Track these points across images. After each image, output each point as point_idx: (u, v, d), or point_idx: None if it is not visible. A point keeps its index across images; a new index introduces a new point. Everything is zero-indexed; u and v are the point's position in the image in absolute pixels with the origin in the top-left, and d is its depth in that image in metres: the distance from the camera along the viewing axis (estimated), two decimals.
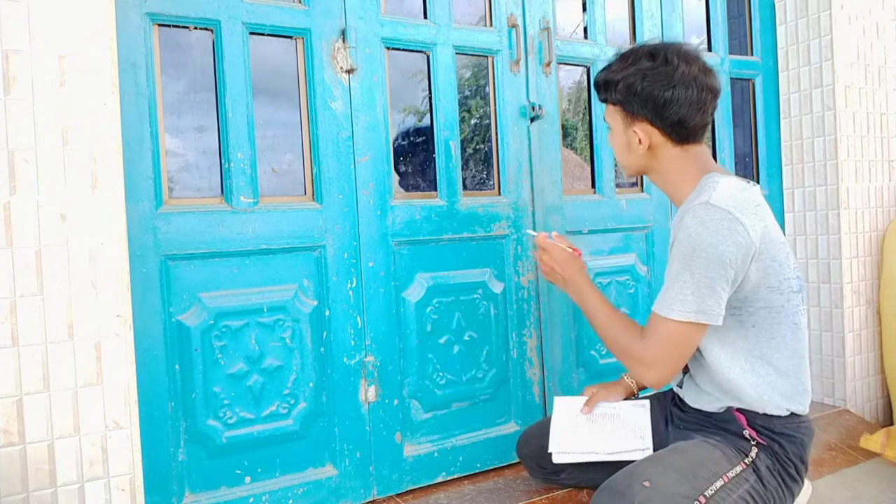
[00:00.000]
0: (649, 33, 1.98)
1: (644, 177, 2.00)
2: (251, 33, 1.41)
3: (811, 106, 2.18)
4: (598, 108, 1.90)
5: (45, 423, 1.07)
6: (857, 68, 2.15)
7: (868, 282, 2.18)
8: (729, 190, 1.12)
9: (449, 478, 1.63)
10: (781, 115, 2.28)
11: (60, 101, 1.08)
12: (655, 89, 1.14)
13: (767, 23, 2.28)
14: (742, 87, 2.30)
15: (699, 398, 1.24)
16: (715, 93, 1.18)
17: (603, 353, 1.88)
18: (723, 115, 2.17)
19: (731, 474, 1.12)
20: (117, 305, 1.12)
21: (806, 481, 1.29)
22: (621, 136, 1.24)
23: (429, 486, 1.61)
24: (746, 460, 1.14)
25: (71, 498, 1.09)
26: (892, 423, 2.19)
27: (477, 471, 1.67)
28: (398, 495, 1.57)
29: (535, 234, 1.46)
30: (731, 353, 1.16)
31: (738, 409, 1.18)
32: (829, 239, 2.15)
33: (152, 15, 1.30)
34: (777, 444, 1.14)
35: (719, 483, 1.10)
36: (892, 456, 1.84)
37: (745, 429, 1.16)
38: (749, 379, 1.15)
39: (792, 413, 1.15)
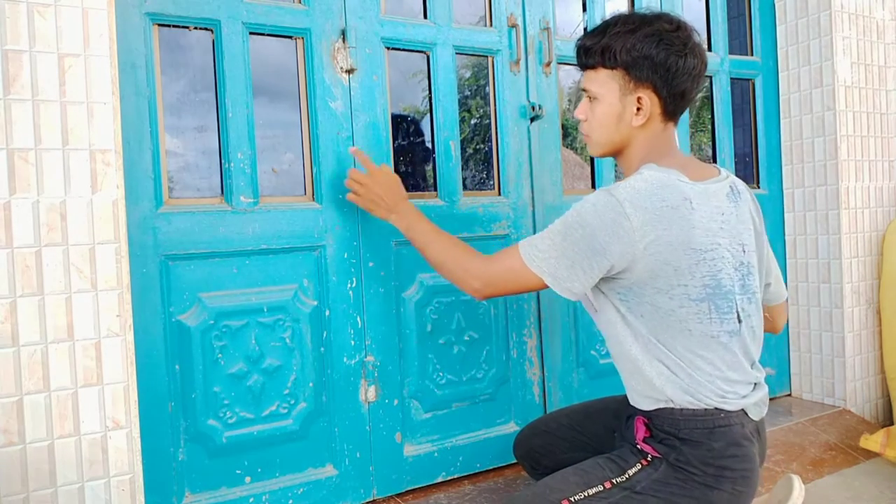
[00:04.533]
0: None
1: None
2: (251, 33, 1.41)
3: (811, 106, 2.18)
4: None
5: (44, 423, 1.07)
6: (857, 68, 2.15)
7: (868, 282, 2.18)
8: (643, 184, 1.07)
9: (449, 478, 1.63)
10: (781, 115, 2.28)
11: (60, 101, 1.08)
12: (671, 55, 1.10)
13: (767, 23, 2.28)
14: (742, 87, 2.30)
15: (627, 388, 1.21)
16: (706, 67, 1.17)
17: (603, 352, 1.88)
18: (723, 115, 2.17)
19: (577, 497, 1.09)
20: (117, 305, 1.12)
21: (797, 484, 1.25)
22: (613, 105, 1.15)
23: (429, 486, 1.61)
24: (618, 478, 1.11)
25: (71, 498, 1.09)
26: (892, 423, 2.19)
27: (477, 471, 1.67)
28: (398, 495, 1.57)
29: (355, 151, 1.41)
30: (631, 333, 1.13)
31: (643, 416, 1.14)
32: (829, 239, 2.15)
33: (152, 15, 1.30)
34: (676, 451, 1.09)
35: None
36: (892, 456, 1.84)
37: (637, 443, 1.13)
38: (645, 357, 1.12)
39: (706, 410, 1.09)
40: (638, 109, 1.14)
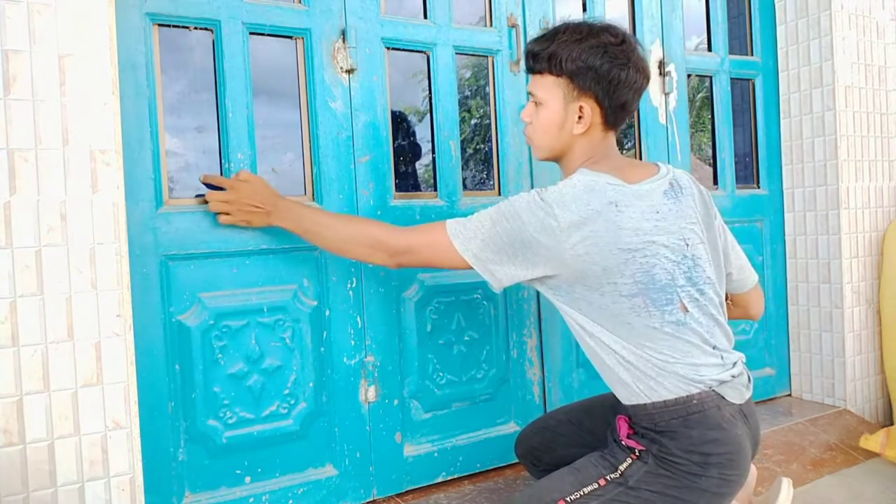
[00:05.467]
0: (649, 33, 1.98)
1: None
2: (251, 33, 1.41)
3: (811, 106, 2.18)
4: None
5: (44, 423, 1.07)
6: (857, 68, 2.15)
7: (868, 282, 2.18)
8: (570, 189, 1.11)
9: (449, 478, 1.63)
10: (781, 115, 2.28)
11: (60, 101, 1.08)
12: (614, 67, 1.13)
13: (767, 23, 2.27)
14: (742, 87, 2.30)
15: (605, 380, 1.22)
16: (648, 81, 1.20)
17: None
18: (723, 115, 2.17)
19: (573, 497, 1.11)
20: (117, 305, 1.12)
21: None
22: (556, 112, 1.19)
23: (429, 486, 1.61)
24: (612, 475, 1.13)
25: (71, 498, 1.09)
26: (892, 423, 2.19)
27: (477, 471, 1.67)
28: (398, 495, 1.57)
29: (205, 176, 1.31)
30: (582, 328, 1.16)
31: (629, 418, 1.16)
32: (829, 239, 2.15)
33: (152, 15, 1.30)
34: (657, 444, 1.11)
35: None
36: (892, 456, 1.84)
37: (622, 440, 1.15)
38: (603, 350, 1.14)
39: (677, 400, 1.10)
40: (580, 118, 1.17)
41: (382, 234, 1.22)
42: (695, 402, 1.10)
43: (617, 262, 1.08)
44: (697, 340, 1.13)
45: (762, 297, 1.42)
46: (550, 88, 1.19)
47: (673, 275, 1.12)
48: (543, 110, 1.21)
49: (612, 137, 1.22)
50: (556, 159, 1.26)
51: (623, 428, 1.16)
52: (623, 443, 1.15)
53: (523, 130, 1.29)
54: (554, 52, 1.16)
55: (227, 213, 1.30)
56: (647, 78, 1.19)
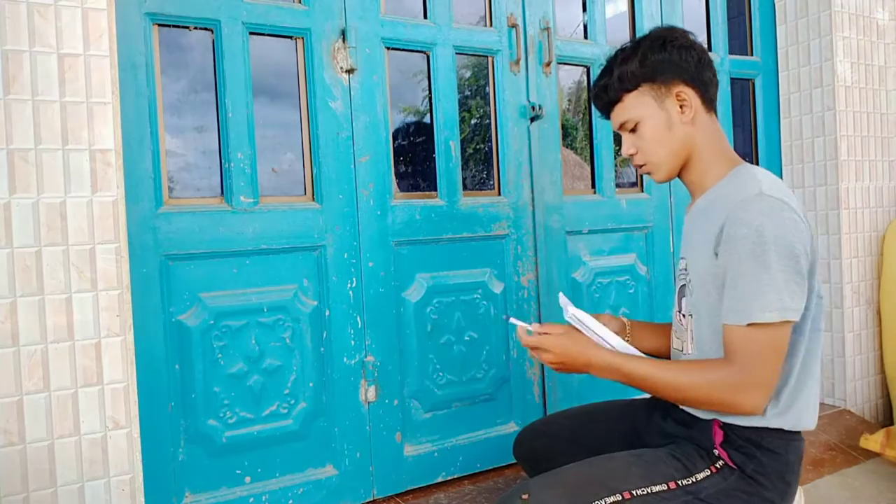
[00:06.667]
0: None
1: (643, 176, 2.00)
2: (251, 33, 1.41)
3: (811, 106, 2.18)
4: None
5: (44, 423, 1.07)
6: (857, 68, 2.15)
7: (868, 282, 2.18)
8: (770, 178, 1.05)
9: (449, 478, 1.63)
10: (781, 115, 2.28)
11: (60, 101, 1.08)
12: (683, 48, 1.11)
13: (767, 23, 2.28)
14: (742, 87, 2.30)
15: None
16: (708, 54, 1.17)
17: None
18: (723, 115, 2.17)
19: (639, 492, 1.00)
20: (117, 305, 1.12)
21: (798, 493, 1.24)
22: (657, 117, 1.12)
23: (429, 486, 1.61)
24: (684, 481, 1.03)
25: (71, 498, 1.09)
26: (892, 423, 2.19)
27: (477, 471, 1.67)
28: (398, 495, 1.57)
29: (519, 323, 1.19)
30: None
31: (725, 424, 1.06)
32: (829, 239, 2.15)
33: (152, 15, 1.30)
34: (755, 462, 1.02)
35: (612, 498, 1.00)
36: (892, 456, 1.84)
37: (715, 448, 1.05)
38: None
39: (781, 429, 1.02)
40: (682, 107, 1.12)
41: (716, 380, 1.01)
42: (795, 431, 1.06)
43: (816, 259, 1.02)
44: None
45: None
46: (637, 103, 1.14)
47: None
48: (644, 126, 1.14)
49: (717, 122, 1.16)
50: (682, 170, 1.16)
51: (718, 434, 1.06)
52: (715, 451, 1.06)
53: (634, 165, 1.19)
54: (622, 72, 1.13)
55: (552, 364, 1.18)
56: (704, 50, 1.14)
